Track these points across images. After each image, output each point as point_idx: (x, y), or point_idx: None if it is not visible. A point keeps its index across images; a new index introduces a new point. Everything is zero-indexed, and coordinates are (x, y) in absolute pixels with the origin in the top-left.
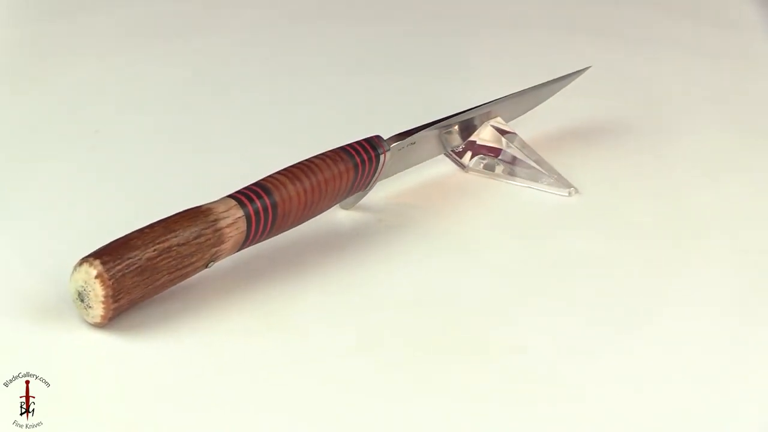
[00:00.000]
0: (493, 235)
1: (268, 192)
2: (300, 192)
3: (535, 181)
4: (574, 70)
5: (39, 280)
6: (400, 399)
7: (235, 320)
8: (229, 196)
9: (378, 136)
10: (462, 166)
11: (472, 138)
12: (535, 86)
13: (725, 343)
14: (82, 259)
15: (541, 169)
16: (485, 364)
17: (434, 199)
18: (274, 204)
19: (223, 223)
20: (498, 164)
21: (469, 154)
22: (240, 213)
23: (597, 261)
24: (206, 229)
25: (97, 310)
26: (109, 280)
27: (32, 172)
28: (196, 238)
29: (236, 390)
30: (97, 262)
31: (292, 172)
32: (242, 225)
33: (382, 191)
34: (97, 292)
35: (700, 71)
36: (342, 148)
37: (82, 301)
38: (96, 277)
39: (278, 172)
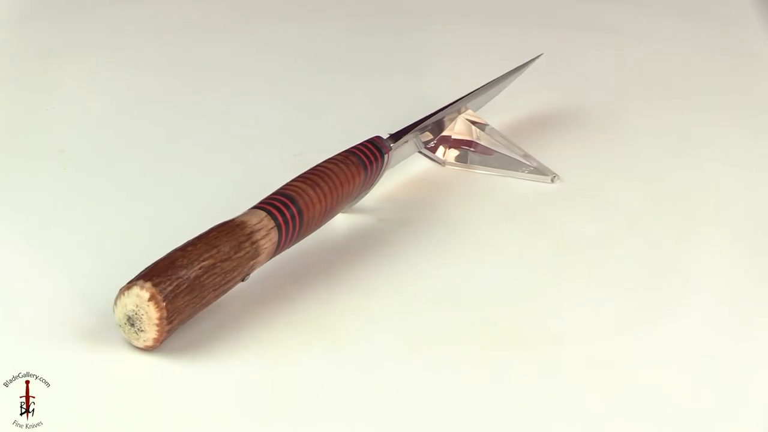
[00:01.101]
0: (495, 227)
1: (293, 200)
2: (321, 197)
3: (516, 170)
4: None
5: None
6: (463, 397)
7: (280, 333)
8: (257, 207)
9: (379, 137)
10: (440, 162)
11: (446, 132)
12: (501, 76)
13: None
14: (130, 282)
15: (520, 158)
16: (536, 355)
17: (424, 196)
18: (300, 211)
19: (258, 235)
20: (476, 156)
21: (442, 148)
22: (272, 224)
23: (603, 243)
24: (245, 242)
25: (150, 333)
26: (163, 301)
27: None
28: (236, 252)
29: (300, 406)
30: (149, 284)
31: (310, 179)
32: (274, 235)
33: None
34: (151, 314)
35: (652, 55)
36: (349, 151)
37: (132, 325)
38: (149, 299)
39: (297, 179)
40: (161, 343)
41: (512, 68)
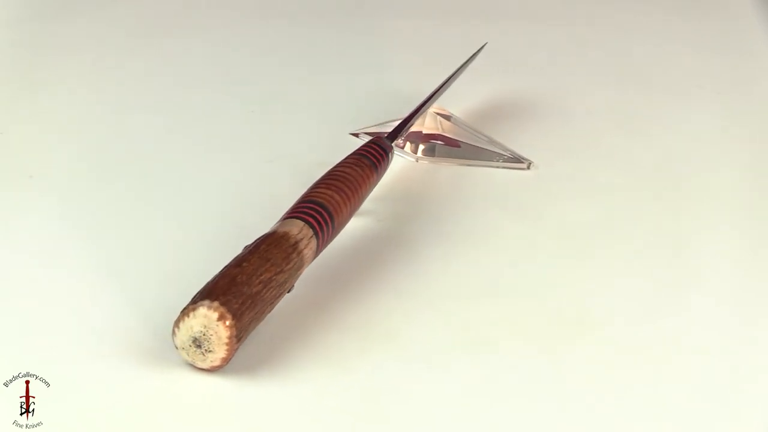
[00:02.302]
0: (494, 217)
1: (324, 207)
2: (345, 201)
3: (491, 159)
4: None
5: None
6: (544, 386)
7: (336, 342)
8: (292, 217)
9: (380, 137)
10: (412, 157)
11: (415, 128)
12: (459, 68)
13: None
14: (194, 303)
15: (492, 147)
16: (589, 340)
17: (410, 193)
18: (331, 217)
19: (302, 245)
20: (448, 149)
21: (409, 144)
22: (311, 232)
23: (604, 225)
24: (291, 253)
25: (219, 353)
26: (233, 319)
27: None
28: (287, 264)
29: (381, 416)
30: (216, 303)
31: (333, 184)
32: (314, 243)
33: None
34: (221, 334)
35: (583, 38)
36: (359, 153)
37: (198, 347)
38: (219, 319)
39: (319, 186)
40: (228, 362)
41: (465, 59)
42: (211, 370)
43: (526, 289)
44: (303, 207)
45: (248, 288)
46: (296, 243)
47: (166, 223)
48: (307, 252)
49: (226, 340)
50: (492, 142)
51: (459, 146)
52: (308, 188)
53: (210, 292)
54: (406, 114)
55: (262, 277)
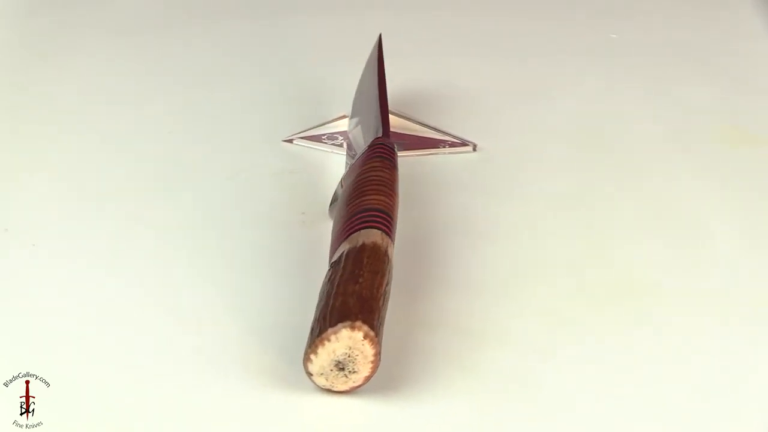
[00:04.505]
0: (485, 203)
1: (387, 214)
2: (394, 204)
3: (436, 146)
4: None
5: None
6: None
7: (449, 347)
8: (366, 227)
9: (381, 138)
10: None
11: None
12: (379, 65)
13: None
14: (335, 327)
15: (435, 134)
16: (648, 306)
17: None
18: (394, 222)
19: (389, 253)
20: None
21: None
22: (389, 239)
23: (581, 192)
24: (387, 263)
25: (364, 372)
26: (376, 337)
27: None
28: (388, 274)
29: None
30: (359, 323)
31: (381, 190)
32: (392, 251)
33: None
34: (367, 352)
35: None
36: (378, 156)
37: (341, 369)
38: (364, 338)
39: (369, 193)
40: (369, 380)
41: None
42: (350, 391)
43: (573, 261)
44: (370, 216)
45: (375, 303)
46: (385, 251)
47: (169, 251)
48: (391, 259)
49: (372, 358)
50: (431, 128)
51: (401, 137)
52: (351, 197)
53: (345, 313)
54: (331, 116)
55: (380, 290)
